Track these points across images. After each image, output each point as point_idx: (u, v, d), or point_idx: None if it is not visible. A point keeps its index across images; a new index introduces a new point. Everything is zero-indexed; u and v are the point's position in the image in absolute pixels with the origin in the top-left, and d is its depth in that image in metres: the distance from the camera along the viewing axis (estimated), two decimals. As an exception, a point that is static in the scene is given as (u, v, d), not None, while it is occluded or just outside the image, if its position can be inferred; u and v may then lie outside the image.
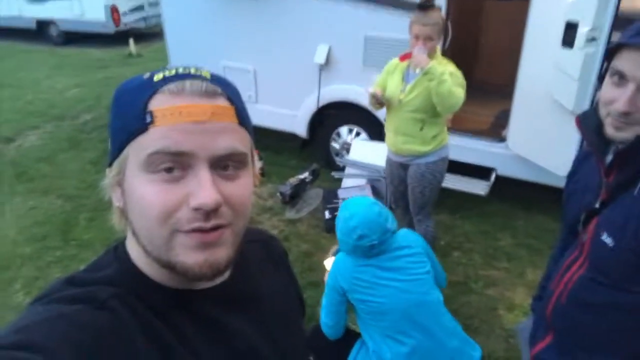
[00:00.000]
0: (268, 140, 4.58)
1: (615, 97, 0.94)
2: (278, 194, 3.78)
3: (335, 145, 4.22)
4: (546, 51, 2.89)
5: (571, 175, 1.26)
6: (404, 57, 2.51)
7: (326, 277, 1.85)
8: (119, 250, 0.63)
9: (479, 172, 3.59)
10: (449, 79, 2.26)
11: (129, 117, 0.55)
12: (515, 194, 3.78)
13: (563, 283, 1.12)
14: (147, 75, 0.58)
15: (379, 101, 2.49)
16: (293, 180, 3.80)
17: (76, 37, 10.33)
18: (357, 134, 4.08)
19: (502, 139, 3.44)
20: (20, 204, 3.91)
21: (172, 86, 0.55)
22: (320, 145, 4.34)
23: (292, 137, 4.43)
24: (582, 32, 2.57)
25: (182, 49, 4.59)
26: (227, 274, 0.66)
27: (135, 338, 0.54)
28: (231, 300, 0.67)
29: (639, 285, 0.96)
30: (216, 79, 0.58)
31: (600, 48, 2.60)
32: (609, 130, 0.97)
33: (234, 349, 0.64)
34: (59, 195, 4.03)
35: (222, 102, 0.57)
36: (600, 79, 1.03)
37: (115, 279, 0.59)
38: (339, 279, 1.76)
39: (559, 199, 1.29)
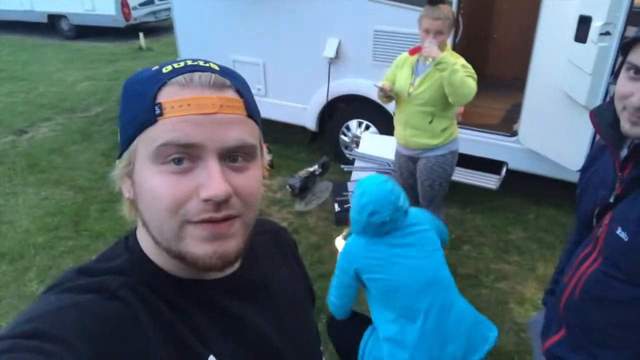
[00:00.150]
0: (278, 134, 4.59)
1: (631, 91, 0.94)
2: (287, 187, 3.79)
3: (345, 138, 4.21)
4: (559, 45, 2.85)
5: (585, 170, 1.25)
6: (413, 51, 2.50)
7: (338, 256, 1.86)
8: (129, 241, 0.63)
9: (490, 166, 3.56)
10: (461, 69, 2.25)
11: (138, 109, 0.55)
12: (526, 187, 3.75)
13: (576, 277, 1.11)
14: (156, 67, 0.58)
15: (387, 95, 2.48)
16: (302, 173, 3.81)
17: (87, 32, 10.41)
18: (367, 127, 4.07)
19: (514, 133, 3.41)
20: (32, 194, 3.96)
21: (180, 78, 0.55)
22: (329, 139, 4.34)
23: (301, 130, 4.42)
24: (596, 26, 2.53)
25: (192, 43, 4.60)
26: (237, 265, 0.67)
27: (147, 327, 0.54)
28: (241, 290, 0.67)
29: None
30: (225, 71, 0.58)
31: (614, 42, 2.55)
32: (625, 125, 0.97)
33: (245, 338, 0.64)
34: (71, 187, 4.07)
35: (231, 94, 0.57)
36: (615, 74, 1.02)
37: (126, 268, 0.59)
38: (350, 262, 1.76)
39: (570, 192, 1.28)
